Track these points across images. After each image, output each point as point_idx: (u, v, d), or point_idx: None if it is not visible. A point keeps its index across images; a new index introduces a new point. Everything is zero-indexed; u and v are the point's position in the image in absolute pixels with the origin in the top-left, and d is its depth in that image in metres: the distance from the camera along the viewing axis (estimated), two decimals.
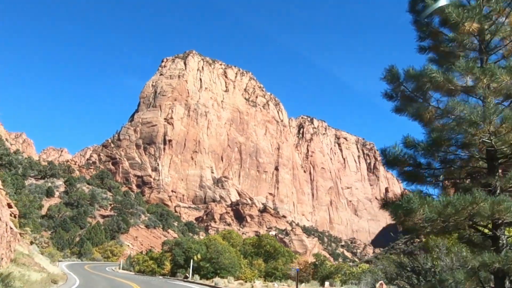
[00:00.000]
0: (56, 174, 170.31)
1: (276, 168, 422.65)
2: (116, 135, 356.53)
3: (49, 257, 61.33)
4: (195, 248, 69.78)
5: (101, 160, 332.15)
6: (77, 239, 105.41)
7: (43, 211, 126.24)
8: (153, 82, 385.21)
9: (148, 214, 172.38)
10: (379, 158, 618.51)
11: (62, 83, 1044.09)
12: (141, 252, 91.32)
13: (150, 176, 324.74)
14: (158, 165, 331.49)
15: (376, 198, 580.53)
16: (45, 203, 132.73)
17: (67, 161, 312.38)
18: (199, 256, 66.12)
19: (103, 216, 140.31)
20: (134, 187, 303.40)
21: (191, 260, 64.04)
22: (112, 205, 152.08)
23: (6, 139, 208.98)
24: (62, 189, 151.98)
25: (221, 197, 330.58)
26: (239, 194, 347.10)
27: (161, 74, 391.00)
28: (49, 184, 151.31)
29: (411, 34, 13.61)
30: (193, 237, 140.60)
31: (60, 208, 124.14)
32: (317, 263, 67.62)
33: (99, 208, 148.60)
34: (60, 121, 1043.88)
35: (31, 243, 61.96)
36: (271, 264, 68.86)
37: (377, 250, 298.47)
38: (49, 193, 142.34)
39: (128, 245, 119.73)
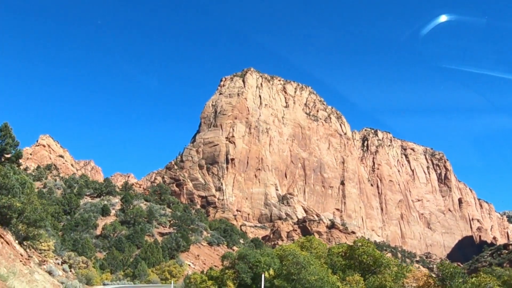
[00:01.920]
0: (113, 191, 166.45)
1: (342, 183, 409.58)
2: (179, 157, 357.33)
3: (82, 279, 54.32)
4: (266, 261, 56.81)
5: (165, 182, 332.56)
6: (132, 259, 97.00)
7: (98, 231, 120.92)
8: (213, 101, 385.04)
9: (211, 231, 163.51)
10: (450, 168, 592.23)
11: (126, 111, 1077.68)
12: (202, 272, 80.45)
13: (214, 196, 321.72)
14: (221, 184, 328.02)
15: (449, 210, 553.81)
16: (100, 222, 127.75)
17: (132, 184, 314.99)
18: (271, 272, 53.45)
19: (161, 234, 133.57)
20: (198, 207, 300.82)
21: (261, 278, 51.38)
22: (171, 222, 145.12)
23: (72, 165, 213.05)
24: (118, 207, 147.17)
25: (287, 214, 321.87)
26: (305, 211, 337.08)
27: (220, 93, 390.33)
28: (105, 202, 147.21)
29: None
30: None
31: (115, 227, 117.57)
32: (444, 275, 49.32)
33: (157, 226, 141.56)
34: (126, 148, 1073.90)
35: (64, 262, 55.99)
36: (373, 280, 52.78)
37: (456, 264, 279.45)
38: (104, 212, 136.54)
39: (189, 265, 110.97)
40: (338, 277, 52.72)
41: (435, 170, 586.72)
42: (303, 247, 64.16)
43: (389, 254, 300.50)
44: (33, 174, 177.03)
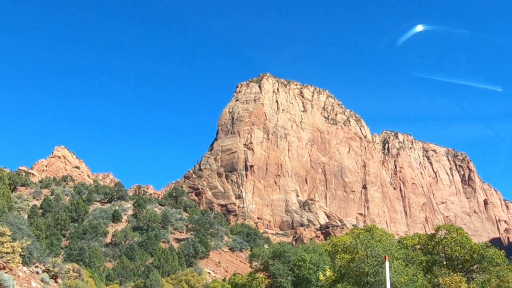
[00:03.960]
0: (125, 196, 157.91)
1: (364, 187, 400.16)
2: (197, 165, 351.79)
3: None
4: (312, 260, 43.24)
5: (187, 196, 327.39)
6: (143, 268, 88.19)
7: (108, 239, 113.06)
8: (229, 108, 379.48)
9: (232, 235, 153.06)
10: (473, 169, 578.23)
11: (144, 122, 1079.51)
12: (224, 280, 68.48)
13: (234, 204, 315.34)
14: (241, 192, 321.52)
15: (475, 212, 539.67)
16: (110, 229, 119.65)
17: (150, 194, 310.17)
18: (328, 273, 38.79)
19: (178, 240, 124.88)
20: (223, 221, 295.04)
21: (314, 281, 38.81)
22: (188, 226, 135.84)
23: (88, 175, 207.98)
24: (130, 212, 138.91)
25: (309, 220, 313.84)
26: (328, 216, 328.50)
27: (236, 100, 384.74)
28: (116, 207, 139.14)
29: None
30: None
31: (127, 233, 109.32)
32: None
33: (173, 231, 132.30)
34: (145, 159, 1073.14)
35: (46, 271, 48.74)
36: (484, 282, 38.34)
37: None
38: (115, 218, 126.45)
39: (209, 273, 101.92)
40: (423, 276, 38.94)
41: (458, 172, 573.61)
42: (357, 238, 49.69)
43: None
44: (41, 182, 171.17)
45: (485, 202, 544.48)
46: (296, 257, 45.84)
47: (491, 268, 42.17)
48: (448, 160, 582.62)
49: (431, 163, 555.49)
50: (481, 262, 43.48)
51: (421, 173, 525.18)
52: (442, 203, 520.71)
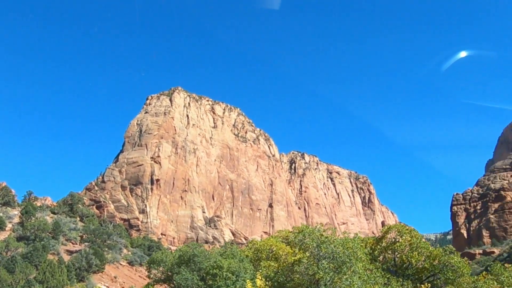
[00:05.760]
0: (11, 202, 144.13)
1: (270, 205, 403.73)
2: (100, 177, 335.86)
3: None
4: (231, 267, 34.06)
5: (84, 204, 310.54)
6: (23, 282, 78.59)
7: None
8: (138, 120, 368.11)
9: (132, 248, 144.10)
10: (373, 191, 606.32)
11: (43, 129, 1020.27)
12: None
13: (137, 218, 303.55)
14: (145, 206, 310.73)
15: (373, 233, 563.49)
16: None
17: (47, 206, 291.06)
18: (258, 282, 29.85)
19: (70, 252, 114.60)
20: (118, 223, 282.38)
21: None
22: (83, 237, 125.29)
23: None
24: (16, 220, 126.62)
25: (214, 237, 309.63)
26: (233, 234, 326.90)
27: (146, 112, 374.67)
28: (0, 214, 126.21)
29: None
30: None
31: (9, 244, 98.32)
32: None
33: (65, 242, 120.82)
34: (43, 169, 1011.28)
35: None
36: None
37: None
38: None
39: None
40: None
41: (359, 194, 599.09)
42: (285, 240, 39.11)
43: None
44: None
45: (383, 224, 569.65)
46: (209, 263, 37.17)
47: (458, 279, 35.91)
48: (351, 182, 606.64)
49: (334, 185, 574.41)
50: (444, 271, 37.38)
51: (325, 194, 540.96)
52: (343, 223, 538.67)
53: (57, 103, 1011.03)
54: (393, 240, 39.74)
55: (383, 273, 34.09)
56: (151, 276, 41.57)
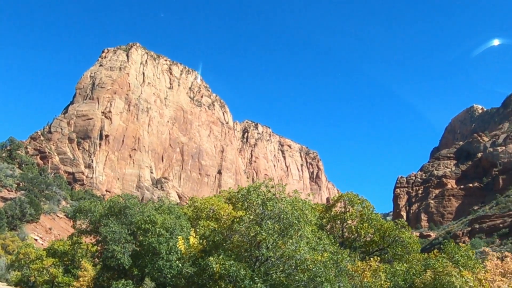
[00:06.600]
0: None
1: (219, 172, 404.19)
2: (47, 127, 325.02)
3: None
4: (166, 223, 30.96)
5: (27, 154, 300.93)
6: None
7: None
8: (91, 72, 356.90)
9: (72, 201, 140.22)
10: (322, 168, 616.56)
11: None
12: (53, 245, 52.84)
13: (82, 173, 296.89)
14: (92, 161, 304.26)
15: None
16: None
17: None
18: (191, 239, 27.86)
19: (4, 199, 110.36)
20: (63, 184, 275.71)
21: (164, 255, 28.06)
22: (20, 184, 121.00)
23: None
24: None
25: (159, 199, 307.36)
26: (179, 197, 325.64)
27: (100, 65, 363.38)
28: None
29: None
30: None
31: None
32: None
33: (0, 188, 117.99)
34: None
35: None
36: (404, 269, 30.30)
37: None
38: None
39: (36, 239, 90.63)
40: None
41: (308, 169, 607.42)
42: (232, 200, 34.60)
43: None
44: None
45: (327, 200, 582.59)
46: (142, 217, 33.14)
47: (407, 256, 34.51)
48: (301, 156, 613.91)
49: (284, 157, 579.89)
50: (393, 246, 36.38)
51: (274, 166, 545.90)
52: (289, 196, 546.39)
53: (9, 45, 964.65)
54: (343, 209, 38.48)
55: (332, 241, 32.55)
56: (76, 226, 37.96)
